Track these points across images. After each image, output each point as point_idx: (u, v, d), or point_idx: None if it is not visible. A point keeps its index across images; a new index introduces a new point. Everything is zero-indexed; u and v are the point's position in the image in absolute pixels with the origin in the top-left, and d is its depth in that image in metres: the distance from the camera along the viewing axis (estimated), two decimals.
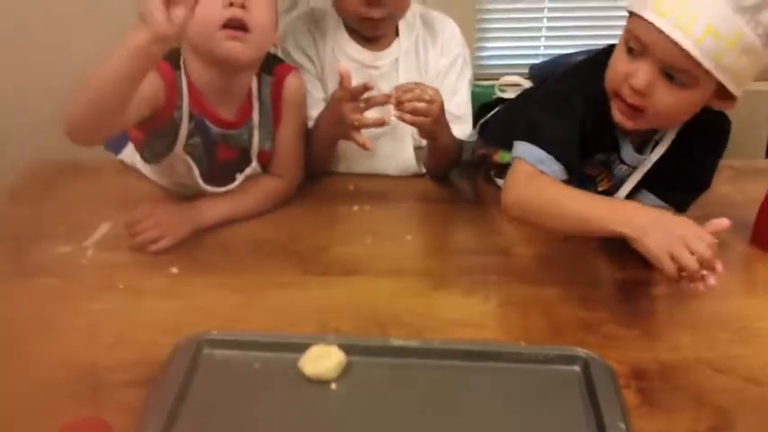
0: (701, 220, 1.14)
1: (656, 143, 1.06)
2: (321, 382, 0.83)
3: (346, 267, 1.07)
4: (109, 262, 1.06)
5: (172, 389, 0.81)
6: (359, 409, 0.81)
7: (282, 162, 1.23)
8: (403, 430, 0.78)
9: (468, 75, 1.33)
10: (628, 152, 1.07)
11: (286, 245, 1.12)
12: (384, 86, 1.21)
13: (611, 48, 1.00)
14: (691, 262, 0.83)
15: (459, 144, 1.29)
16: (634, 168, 1.08)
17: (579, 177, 1.05)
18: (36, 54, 1.77)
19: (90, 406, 0.79)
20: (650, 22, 0.89)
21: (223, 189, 1.16)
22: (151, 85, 0.99)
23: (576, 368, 0.86)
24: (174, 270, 1.04)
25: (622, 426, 0.76)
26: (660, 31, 0.88)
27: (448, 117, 1.20)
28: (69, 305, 0.98)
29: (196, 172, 1.13)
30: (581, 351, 0.87)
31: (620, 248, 1.00)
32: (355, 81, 1.11)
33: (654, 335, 0.94)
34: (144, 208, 1.07)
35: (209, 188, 1.15)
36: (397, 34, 1.29)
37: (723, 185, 1.30)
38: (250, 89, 1.15)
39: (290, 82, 1.19)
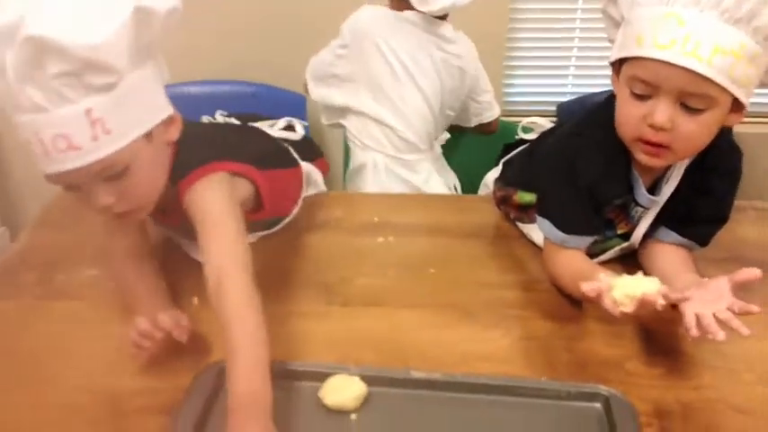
0: (727, 262, 1.15)
1: (667, 181, 1.06)
2: (341, 413, 0.84)
3: (369, 299, 1.08)
4: None
5: (192, 416, 0.82)
6: None
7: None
8: None
9: None
10: (641, 194, 1.07)
11: (311, 275, 1.14)
12: None
13: (611, 96, 1.01)
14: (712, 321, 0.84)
15: None
16: (648, 209, 1.08)
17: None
18: None
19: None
20: (656, 60, 0.89)
21: None
22: None
23: (598, 405, 0.85)
24: (195, 300, 1.05)
25: None
26: (669, 64, 0.88)
27: None
28: (94, 329, 1.00)
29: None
30: (603, 388, 0.86)
31: None
32: None
33: (677, 374, 0.93)
34: None
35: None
36: None
37: (748, 227, 1.30)
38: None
39: (188, 197, 0.99)
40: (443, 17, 1.74)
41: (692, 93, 0.89)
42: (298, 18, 2.19)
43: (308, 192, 1.36)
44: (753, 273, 0.86)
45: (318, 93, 1.83)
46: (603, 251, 1.14)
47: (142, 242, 1.08)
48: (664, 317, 0.93)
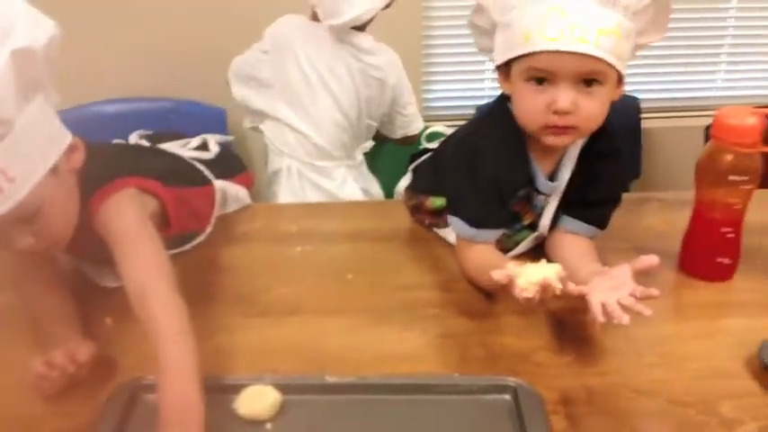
0: (631, 251, 1.20)
1: (563, 167, 1.12)
2: (256, 423, 0.85)
3: (287, 308, 1.09)
4: None
5: None
6: None
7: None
8: None
9: None
10: (542, 182, 1.13)
11: (227, 288, 1.14)
12: None
13: (501, 95, 1.09)
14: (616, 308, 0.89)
15: None
16: (550, 196, 1.14)
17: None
18: None
19: None
20: (549, 51, 0.95)
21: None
22: None
23: (507, 397, 0.89)
24: (109, 321, 1.04)
25: None
26: (562, 52, 0.95)
27: None
28: (6, 354, 0.99)
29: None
30: (511, 380, 0.90)
31: None
32: None
33: (583, 361, 0.97)
34: None
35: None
36: None
37: (651, 217, 1.36)
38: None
39: (100, 217, 0.99)
40: (361, 28, 1.77)
41: (587, 73, 0.97)
42: (218, 32, 2.19)
43: (229, 208, 1.36)
44: (651, 260, 0.93)
45: (239, 92, 1.85)
46: (516, 244, 1.19)
47: (52, 268, 1.07)
48: (572, 304, 0.99)
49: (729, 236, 1.13)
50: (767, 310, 1.08)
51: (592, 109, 1.00)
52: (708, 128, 1.13)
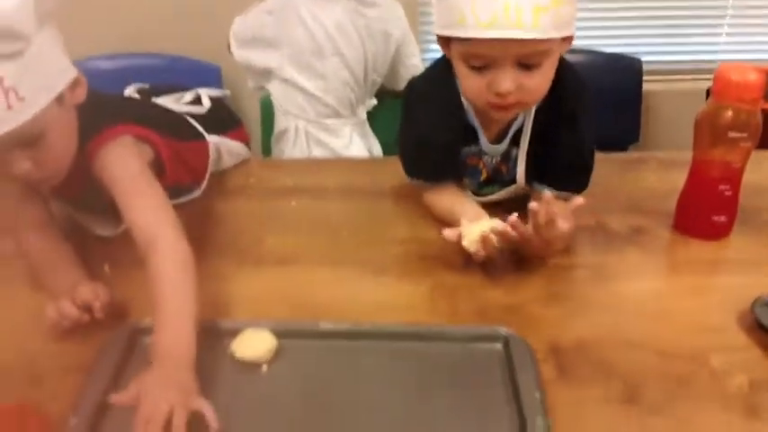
0: (627, 211, 1.22)
1: (518, 132, 1.10)
2: (253, 365, 0.86)
3: (281, 259, 1.10)
4: None
5: (105, 375, 0.83)
6: (289, 390, 0.83)
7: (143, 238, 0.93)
8: (333, 409, 0.81)
9: None
10: (485, 144, 1.13)
11: (221, 238, 1.15)
12: None
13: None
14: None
15: None
16: (501, 160, 1.14)
17: (466, 169, 1.18)
18: None
19: (26, 392, 0.81)
20: (480, 39, 0.91)
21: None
22: None
23: (498, 346, 0.90)
24: (107, 268, 1.06)
25: (537, 395, 0.80)
26: (498, 40, 0.91)
27: None
28: (6, 297, 1.00)
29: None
30: (502, 329, 0.91)
31: None
32: None
33: (573, 314, 0.98)
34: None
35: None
36: None
37: (650, 176, 1.37)
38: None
39: (99, 160, 1.00)
40: None
41: (528, 55, 0.94)
42: None
43: (224, 165, 1.36)
44: (576, 201, 0.99)
45: (241, 55, 1.83)
46: (492, 192, 1.19)
47: (47, 215, 1.08)
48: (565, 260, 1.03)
49: (727, 194, 1.13)
50: (761, 269, 1.09)
51: (535, 85, 0.98)
52: (708, 90, 1.11)
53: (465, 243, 0.98)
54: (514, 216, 0.97)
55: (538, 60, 0.95)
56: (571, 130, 1.09)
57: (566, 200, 1.03)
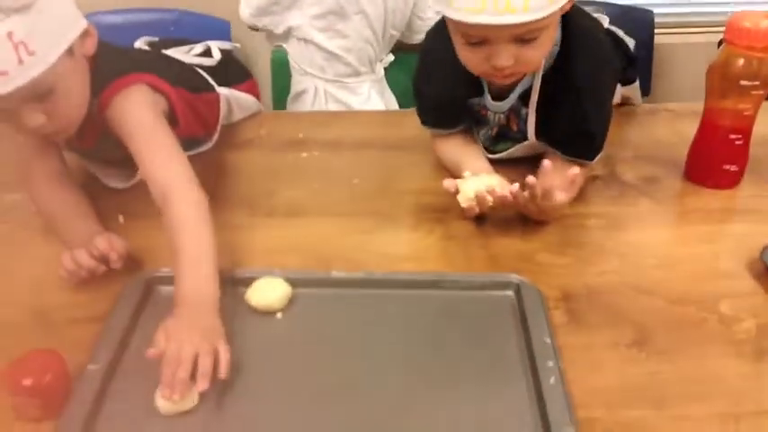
0: (638, 160, 1.21)
1: (528, 90, 1.08)
2: (267, 313, 0.88)
3: (293, 210, 1.11)
4: None
5: (122, 323, 0.85)
6: (303, 337, 0.85)
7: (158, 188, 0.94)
8: (346, 355, 0.83)
9: None
10: (488, 99, 1.13)
11: (232, 189, 1.16)
12: None
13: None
14: None
15: None
16: (512, 116, 1.13)
17: (477, 119, 1.18)
18: None
19: (42, 342, 0.82)
20: (474, 23, 0.89)
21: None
22: None
23: (510, 293, 0.91)
24: (121, 218, 1.07)
25: (548, 341, 0.81)
26: (492, 25, 0.88)
27: None
28: (21, 249, 1.01)
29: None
30: (514, 277, 0.92)
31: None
32: None
33: (584, 262, 0.99)
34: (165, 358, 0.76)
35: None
36: None
37: (660, 128, 1.36)
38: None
39: (113, 109, 1.00)
40: None
41: (524, 33, 0.91)
42: None
43: (235, 117, 1.35)
44: (573, 171, 0.99)
45: (258, 21, 1.80)
46: (506, 149, 1.18)
47: (62, 167, 1.08)
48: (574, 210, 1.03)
49: (738, 143, 1.13)
50: None
51: (534, 56, 0.96)
52: (720, 42, 1.10)
53: (460, 197, 1.00)
54: (516, 186, 0.97)
55: (536, 35, 0.93)
56: (577, 98, 1.06)
57: (581, 166, 1.03)
